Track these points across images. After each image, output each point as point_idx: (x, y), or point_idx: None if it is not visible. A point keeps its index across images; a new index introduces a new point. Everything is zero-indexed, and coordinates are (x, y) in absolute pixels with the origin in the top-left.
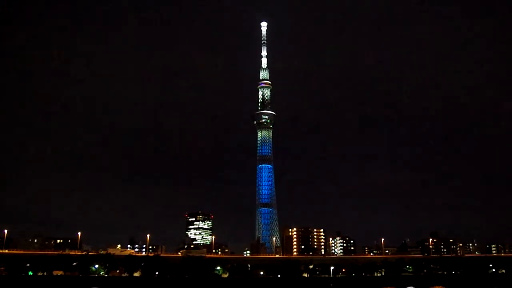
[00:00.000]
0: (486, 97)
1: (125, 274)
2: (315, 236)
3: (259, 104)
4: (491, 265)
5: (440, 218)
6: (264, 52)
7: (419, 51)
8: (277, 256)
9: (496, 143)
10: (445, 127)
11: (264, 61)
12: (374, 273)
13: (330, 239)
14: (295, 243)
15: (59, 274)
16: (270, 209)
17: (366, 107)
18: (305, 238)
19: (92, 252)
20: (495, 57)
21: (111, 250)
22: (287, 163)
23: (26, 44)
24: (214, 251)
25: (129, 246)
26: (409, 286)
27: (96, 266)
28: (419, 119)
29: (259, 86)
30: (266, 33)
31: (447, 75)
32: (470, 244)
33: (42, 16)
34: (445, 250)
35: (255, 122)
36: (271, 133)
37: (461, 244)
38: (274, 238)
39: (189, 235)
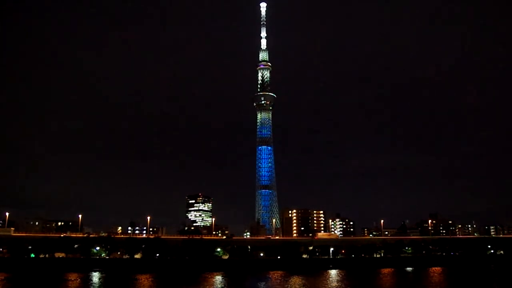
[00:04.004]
0: (487, 77)
1: (126, 256)
2: (314, 218)
3: (259, 86)
4: (489, 246)
5: (440, 199)
6: (263, 33)
7: (421, 30)
8: (277, 237)
9: (497, 125)
10: (445, 108)
11: (263, 42)
12: (373, 254)
13: (330, 220)
14: (295, 224)
15: (60, 256)
16: (270, 191)
17: (366, 88)
18: (304, 219)
19: (93, 234)
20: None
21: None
22: (286, 145)
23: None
24: (214, 232)
25: (129, 228)
26: (408, 267)
27: (97, 248)
28: (418, 99)
29: (258, 68)
30: (266, 14)
31: (445, 54)
32: (469, 226)
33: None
34: (444, 231)
35: (254, 104)
36: (270, 115)
37: (460, 226)
38: (274, 220)
39: (190, 217)
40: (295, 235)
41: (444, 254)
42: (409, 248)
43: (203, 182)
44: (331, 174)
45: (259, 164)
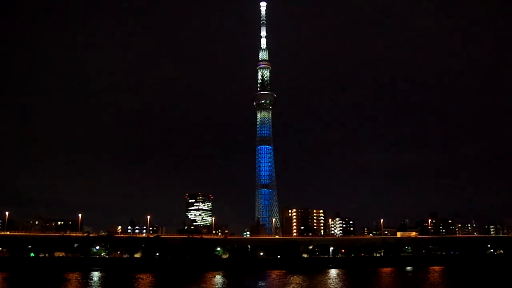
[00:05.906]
0: (484, 75)
1: (126, 255)
2: (314, 217)
3: (259, 85)
4: (489, 246)
5: (439, 199)
6: (263, 33)
7: (422, 30)
8: (277, 237)
9: (496, 123)
10: (444, 108)
11: (263, 42)
12: (373, 254)
13: (330, 220)
14: (294, 224)
15: (60, 255)
16: (270, 190)
17: (367, 87)
18: (304, 219)
19: (93, 234)
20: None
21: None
22: (286, 144)
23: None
24: (214, 232)
25: (129, 227)
26: (408, 266)
27: (97, 247)
28: (418, 98)
29: (258, 67)
30: (265, 14)
31: (446, 55)
32: (469, 225)
33: None
34: (444, 230)
35: (254, 103)
36: (270, 114)
37: (460, 225)
38: (273, 219)
39: (189, 217)
40: (295, 234)
41: (444, 253)
42: (409, 248)
43: (203, 182)
44: (331, 173)
45: (259, 163)
